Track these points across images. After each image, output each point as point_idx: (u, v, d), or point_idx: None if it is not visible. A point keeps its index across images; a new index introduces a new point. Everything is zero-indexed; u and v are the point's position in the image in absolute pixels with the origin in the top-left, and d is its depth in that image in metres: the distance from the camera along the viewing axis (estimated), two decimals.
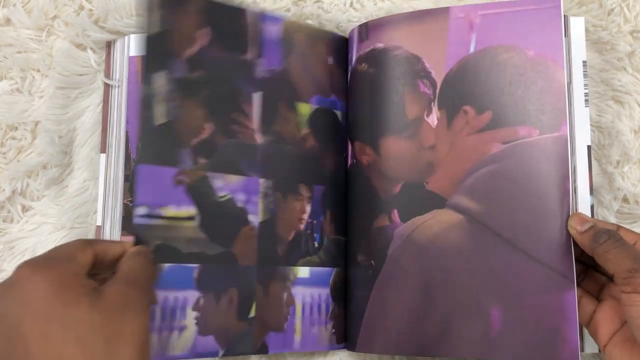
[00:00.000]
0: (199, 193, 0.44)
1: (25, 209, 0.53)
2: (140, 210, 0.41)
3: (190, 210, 0.43)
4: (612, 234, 0.41)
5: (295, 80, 0.48)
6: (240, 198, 0.45)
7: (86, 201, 0.52)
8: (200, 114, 0.44)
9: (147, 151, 0.42)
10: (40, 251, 0.51)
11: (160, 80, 0.43)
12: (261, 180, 0.46)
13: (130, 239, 0.40)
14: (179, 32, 0.44)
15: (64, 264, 0.32)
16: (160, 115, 0.43)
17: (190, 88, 0.44)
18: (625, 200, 0.50)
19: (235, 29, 0.47)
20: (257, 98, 0.47)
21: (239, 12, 0.47)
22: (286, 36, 0.49)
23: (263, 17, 0.48)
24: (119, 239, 0.49)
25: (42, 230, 0.52)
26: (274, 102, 0.48)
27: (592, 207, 0.45)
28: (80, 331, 0.29)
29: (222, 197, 0.45)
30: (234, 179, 0.45)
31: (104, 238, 0.50)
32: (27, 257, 0.51)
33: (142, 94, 0.43)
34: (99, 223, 0.50)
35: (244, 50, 0.47)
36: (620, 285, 0.39)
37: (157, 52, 0.43)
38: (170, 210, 0.43)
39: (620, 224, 0.44)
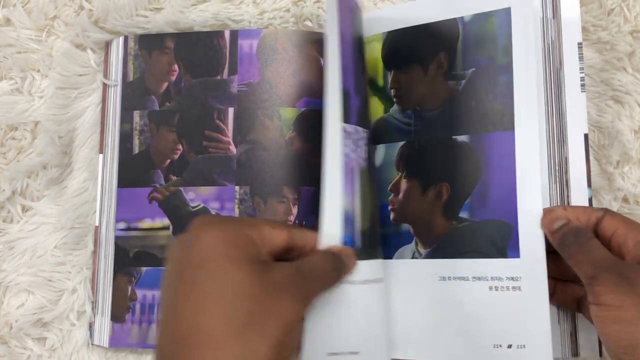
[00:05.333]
0: (172, 206, 0.50)
1: (25, 209, 0.53)
2: (120, 225, 0.50)
3: (164, 221, 0.50)
4: (578, 235, 0.38)
5: (276, 87, 0.50)
6: (213, 206, 0.49)
7: (86, 201, 0.52)
8: (172, 138, 0.51)
9: (125, 176, 0.50)
10: (40, 252, 0.51)
11: (137, 118, 0.51)
12: (237, 188, 0.49)
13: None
14: (153, 74, 0.52)
15: (243, 225, 0.32)
16: (136, 145, 0.51)
17: (163, 117, 0.51)
18: (625, 200, 0.50)
19: (208, 54, 0.51)
20: (231, 112, 0.50)
21: (213, 36, 0.51)
22: (264, 47, 0.51)
23: (242, 33, 0.51)
24: (112, 239, 0.49)
25: (42, 231, 0.52)
26: (250, 113, 0.50)
27: (590, 200, 0.43)
28: (229, 291, 0.28)
29: (194, 207, 0.50)
30: (206, 190, 0.50)
31: (100, 238, 0.50)
32: (27, 257, 0.52)
33: (120, 131, 0.51)
34: (97, 223, 0.50)
35: (217, 72, 0.51)
36: (588, 294, 0.35)
37: (134, 95, 0.51)
38: (146, 223, 0.50)
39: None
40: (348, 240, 0.39)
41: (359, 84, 0.44)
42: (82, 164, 0.53)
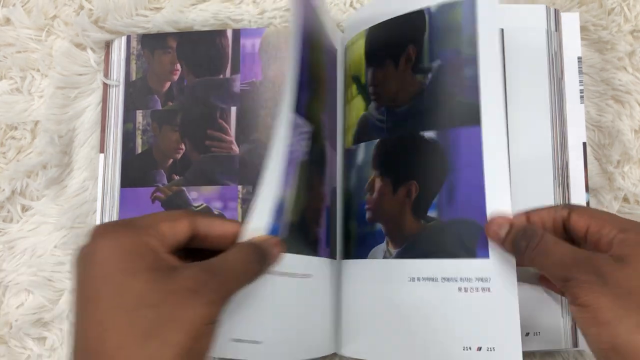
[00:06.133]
0: (175, 205, 0.49)
1: (25, 208, 0.53)
2: None
3: None
4: (528, 237, 0.35)
5: (279, 86, 0.50)
6: (216, 205, 0.49)
7: (86, 201, 0.52)
8: (175, 137, 0.51)
9: (127, 176, 0.50)
10: (40, 251, 0.51)
11: (139, 118, 0.51)
12: (239, 187, 0.49)
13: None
14: (155, 74, 0.52)
15: (139, 231, 0.30)
16: (139, 145, 0.51)
17: (165, 116, 0.51)
18: (625, 200, 0.50)
19: (210, 54, 0.52)
20: (234, 112, 0.51)
21: (216, 35, 0.52)
22: (267, 46, 0.51)
23: (244, 32, 0.51)
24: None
25: (42, 230, 0.52)
26: (253, 112, 0.50)
27: (587, 203, 0.45)
28: (134, 304, 0.28)
29: (197, 206, 0.50)
30: (209, 189, 0.50)
31: None
32: (26, 257, 0.51)
33: (123, 131, 0.51)
34: (98, 223, 0.50)
35: (220, 71, 0.51)
36: (566, 297, 0.33)
37: (137, 95, 0.51)
38: None
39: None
40: (275, 229, 0.37)
41: (309, 78, 0.42)
42: (82, 163, 0.52)
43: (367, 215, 0.44)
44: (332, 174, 0.47)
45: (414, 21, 0.44)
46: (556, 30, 0.46)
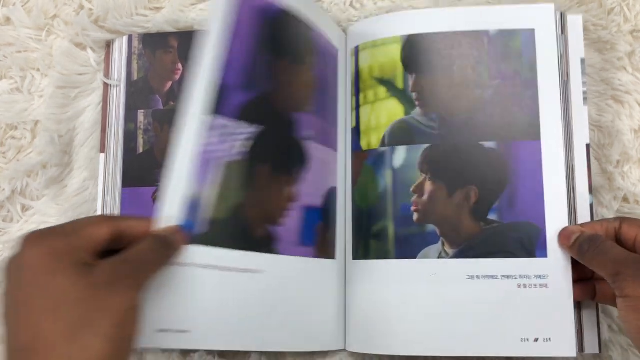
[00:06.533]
0: None
1: (25, 208, 0.53)
2: None
3: None
4: (593, 241, 0.41)
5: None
6: None
7: (86, 201, 0.52)
8: None
9: (129, 176, 0.51)
10: None
11: (141, 117, 0.51)
12: None
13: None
14: (157, 73, 0.52)
15: (63, 236, 0.33)
16: (140, 145, 0.51)
17: (167, 116, 0.51)
18: (625, 199, 0.50)
19: None
20: None
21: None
22: None
23: None
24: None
25: None
26: None
27: (591, 205, 0.46)
28: (60, 301, 0.31)
29: None
30: None
31: None
32: None
33: (125, 130, 0.51)
34: None
35: None
36: (614, 290, 0.39)
37: (139, 94, 0.52)
38: None
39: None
40: (188, 225, 0.40)
41: (254, 81, 0.44)
42: (82, 163, 0.52)
43: (416, 216, 0.47)
44: (325, 173, 0.47)
45: (472, 40, 0.48)
46: (562, 33, 0.48)
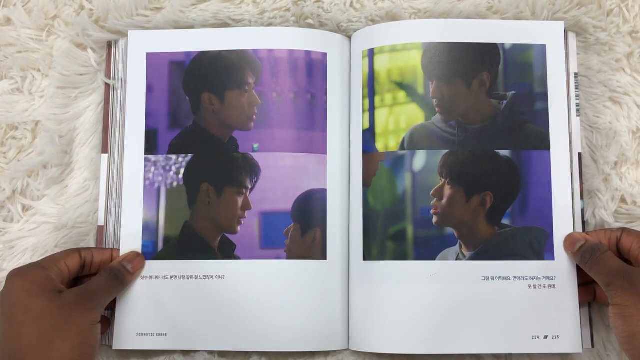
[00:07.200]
0: None
1: (25, 208, 0.53)
2: None
3: None
4: (594, 251, 0.45)
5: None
6: None
7: (87, 201, 0.52)
8: None
9: None
10: (41, 251, 0.52)
11: None
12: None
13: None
14: None
15: (40, 269, 0.44)
16: None
17: None
18: (623, 200, 0.51)
19: None
20: None
21: None
22: None
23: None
24: (120, 239, 0.50)
25: (43, 230, 0.52)
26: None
27: (582, 210, 0.49)
28: (37, 315, 0.42)
29: None
30: None
31: (107, 238, 0.50)
32: (27, 256, 0.52)
33: None
34: (100, 223, 0.50)
35: None
36: (608, 297, 0.43)
37: None
38: None
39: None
40: (148, 245, 0.49)
41: (179, 120, 0.51)
42: (82, 163, 0.53)
43: (435, 219, 0.49)
44: (295, 178, 0.49)
45: (489, 51, 0.50)
46: (565, 49, 0.50)
